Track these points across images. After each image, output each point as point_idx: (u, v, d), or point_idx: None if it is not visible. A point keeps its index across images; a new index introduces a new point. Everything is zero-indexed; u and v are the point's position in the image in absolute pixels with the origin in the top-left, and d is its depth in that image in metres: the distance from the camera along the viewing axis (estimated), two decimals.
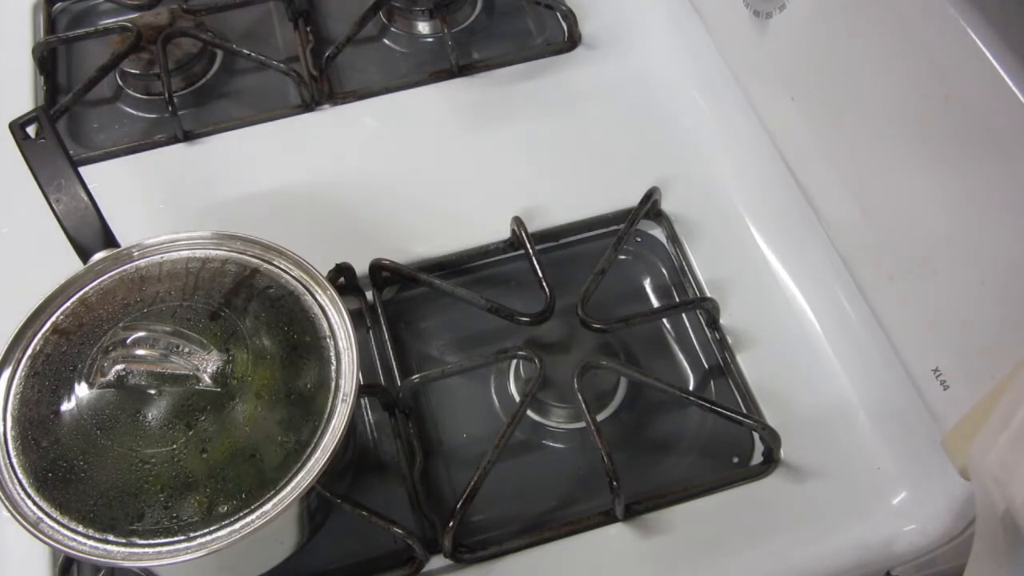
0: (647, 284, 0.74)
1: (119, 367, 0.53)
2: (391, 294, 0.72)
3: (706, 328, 0.70)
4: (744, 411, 0.66)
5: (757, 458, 0.65)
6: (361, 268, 0.70)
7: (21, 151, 0.64)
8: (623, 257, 0.74)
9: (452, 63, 0.83)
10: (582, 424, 0.64)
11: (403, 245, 0.72)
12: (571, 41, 0.85)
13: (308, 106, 0.82)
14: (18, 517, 0.51)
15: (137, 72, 0.84)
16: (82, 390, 0.54)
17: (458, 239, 0.73)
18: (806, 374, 0.67)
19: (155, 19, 0.86)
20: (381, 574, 0.61)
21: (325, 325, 0.57)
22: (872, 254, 0.61)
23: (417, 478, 0.63)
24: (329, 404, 0.54)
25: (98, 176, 0.70)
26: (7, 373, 0.56)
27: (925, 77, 0.52)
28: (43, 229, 0.63)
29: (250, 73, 0.86)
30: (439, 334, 0.71)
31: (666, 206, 0.75)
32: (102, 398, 0.53)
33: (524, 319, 0.67)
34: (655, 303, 0.72)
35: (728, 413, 0.63)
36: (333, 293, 0.58)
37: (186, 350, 0.54)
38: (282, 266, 0.59)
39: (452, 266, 0.73)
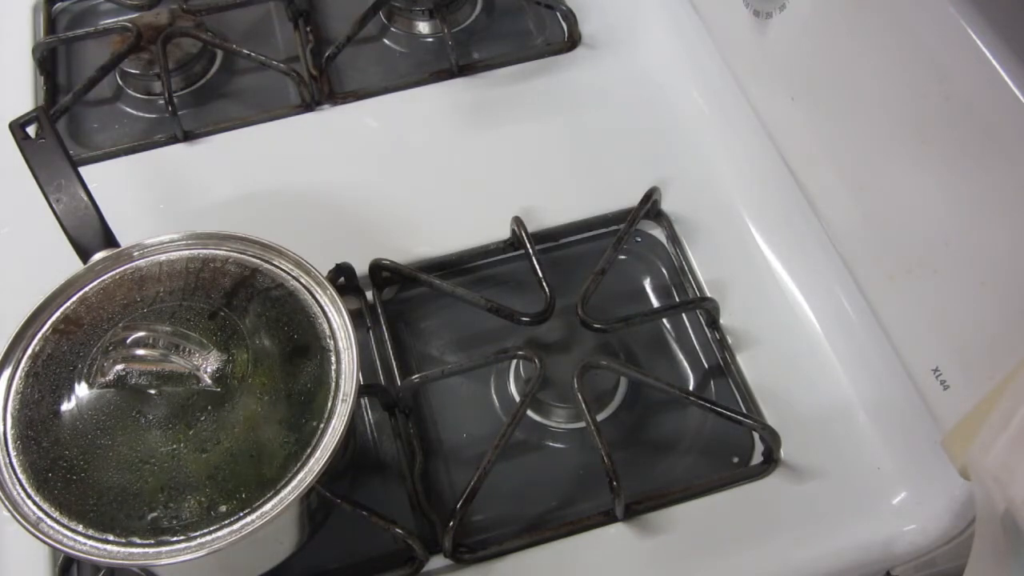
0: (647, 284, 0.74)
1: (119, 367, 0.53)
2: (391, 294, 0.72)
3: (706, 328, 0.70)
4: (744, 411, 0.66)
5: (757, 458, 0.65)
6: (361, 268, 0.70)
7: (21, 151, 0.64)
8: (623, 257, 0.74)
9: (452, 63, 0.83)
10: (582, 424, 0.64)
11: (403, 245, 0.72)
12: (571, 41, 0.85)
13: (308, 106, 0.82)
14: (18, 517, 0.51)
15: (137, 72, 0.84)
16: (82, 390, 0.54)
17: (458, 239, 0.73)
18: (806, 374, 0.67)
19: (155, 19, 0.86)
20: (381, 574, 0.61)
21: (325, 325, 0.57)
22: (872, 254, 0.61)
23: (417, 478, 0.63)
24: (329, 404, 0.54)
25: (98, 176, 0.70)
26: (7, 373, 0.56)
27: (925, 77, 0.52)
28: (43, 229, 0.63)
29: (250, 73, 0.86)
30: (439, 334, 0.71)
31: (666, 206, 0.75)
32: (102, 398, 0.53)
33: (524, 319, 0.67)
34: (655, 303, 0.72)
35: (728, 413, 0.63)
36: (333, 293, 0.58)
37: (186, 350, 0.54)
38: (282, 266, 0.59)
39: (452, 266, 0.73)
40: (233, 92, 0.86)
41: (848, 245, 0.63)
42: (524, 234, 0.71)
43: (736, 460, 0.65)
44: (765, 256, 0.72)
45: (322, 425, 0.54)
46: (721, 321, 0.69)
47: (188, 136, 0.80)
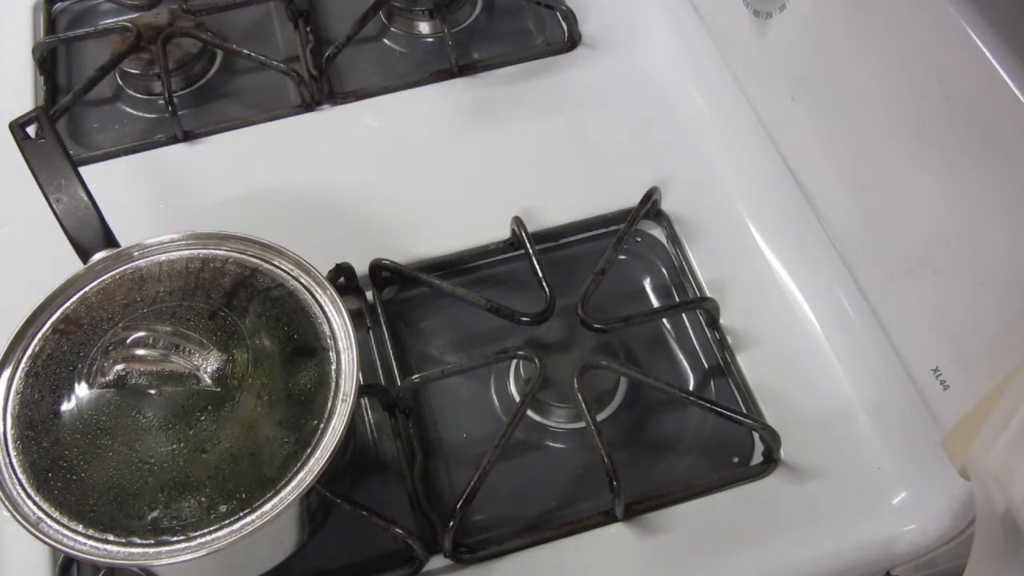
0: (647, 284, 0.74)
1: (119, 367, 0.53)
2: (391, 294, 0.72)
3: (706, 328, 0.70)
4: (744, 411, 0.66)
5: (757, 458, 0.65)
6: (361, 268, 0.70)
7: (21, 151, 0.64)
8: (623, 257, 0.74)
9: (452, 63, 0.83)
10: (582, 424, 0.64)
11: (403, 245, 0.72)
12: (571, 41, 0.85)
13: (308, 106, 0.82)
14: (18, 517, 0.51)
15: (137, 72, 0.84)
16: (82, 390, 0.54)
17: (458, 239, 0.73)
18: (806, 374, 0.67)
19: (155, 19, 0.86)
20: (381, 574, 0.61)
21: (325, 325, 0.57)
22: (872, 254, 0.61)
23: (417, 478, 0.63)
24: (329, 404, 0.54)
25: (98, 176, 0.70)
26: (7, 373, 0.56)
27: (925, 77, 0.52)
28: (43, 229, 0.63)
29: (250, 73, 0.86)
30: (439, 334, 0.71)
31: (666, 206, 0.75)
32: (102, 398, 0.53)
33: (524, 319, 0.67)
34: (655, 303, 0.72)
35: (728, 413, 0.63)
36: (333, 293, 0.58)
37: (186, 350, 0.54)
38: (282, 266, 0.59)
39: (452, 266, 0.73)
40: (233, 92, 0.86)
41: (848, 245, 0.63)
42: (524, 234, 0.71)
43: (736, 460, 0.65)
44: (765, 256, 0.72)
45: (322, 425, 0.54)
46: (721, 321, 0.69)
47: (188, 136, 0.80)
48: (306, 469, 0.52)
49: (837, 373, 0.66)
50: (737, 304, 0.70)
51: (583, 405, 0.62)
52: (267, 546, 0.57)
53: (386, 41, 0.88)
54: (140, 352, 0.53)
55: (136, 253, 0.60)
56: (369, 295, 0.71)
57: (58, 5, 0.92)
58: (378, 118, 0.81)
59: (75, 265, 0.60)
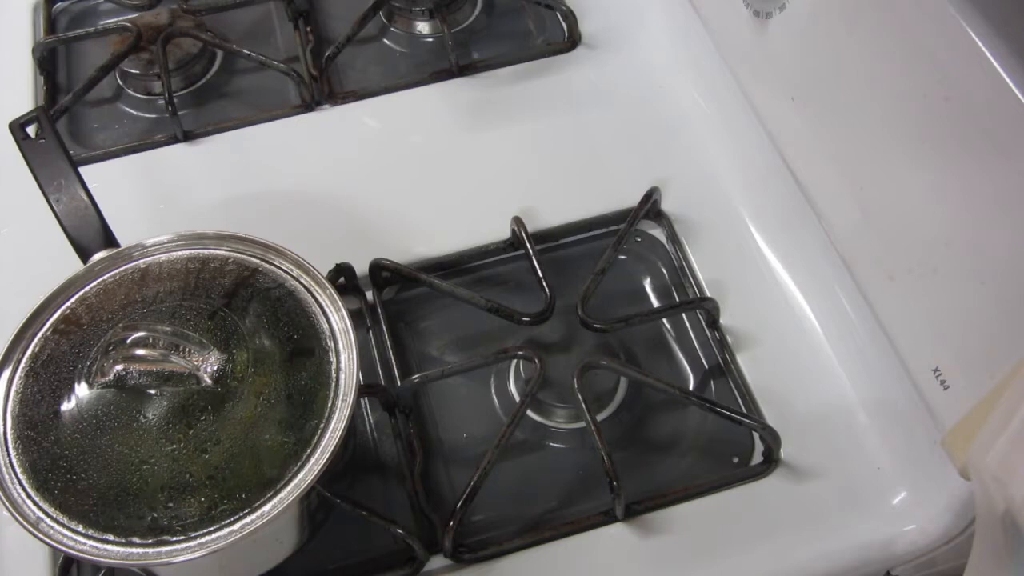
0: (647, 284, 0.74)
1: (119, 367, 0.53)
2: (391, 294, 0.72)
3: (706, 328, 0.70)
4: (744, 411, 0.66)
5: (757, 458, 0.65)
6: (361, 268, 0.70)
7: (21, 151, 0.64)
8: (623, 257, 0.74)
9: (452, 63, 0.83)
10: (582, 424, 0.64)
11: (403, 245, 0.72)
12: (571, 41, 0.85)
13: (308, 106, 0.82)
14: (18, 517, 0.51)
15: (137, 72, 0.84)
16: (82, 390, 0.54)
17: (458, 239, 0.73)
18: (806, 374, 0.67)
19: (155, 19, 0.86)
20: (381, 574, 0.61)
21: (325, 325, 0.57)
22: (872, 254, 0.61)
23: (417, 478, 0.63)
24: (329, 404, 0.54)
25: (98, 176, 0.70)
26: (7, 373, 0.56)
27: (925, 77, 0.52)
28: (43, 229, 0.63)
29: (250, 73, 0.86)
30: (439, 334, 0.71)
31: (666, 206, 0.75)
32: (102, 398, 0.53)
33: (524, 319, 0.67)
34: (655, 303, 0.72)
35: (728, 413, 0.63)
36: (333, 293, 0.58)
37: (186, 350, 0.54)
38: (282, 266, 0.60)
39: (452, 266, 0.73)
40: (233, 92, 0.86)
41: (848, 245, 0.63)
42: (524, 234, 0.71)
43: (736, 460, 0.65)
44: (765, 256, 0.72)
45: (322, 425, 0.54)
46: (721, 321, 0.69)
47: (188, 136, 0.80)
48: (306, 469, 0.52)
49: (837, 373, 0.66)
50: (737, 304, 0.70)
51: (583, 405, 0.62)
52: (267, 546, 0.57)
53: (386, 41, 0.88)
54: (140, 352, 0.54)
55: (136, 253, 0.60)
56: (369, 295, 0.71)
57: (58, 5, 0.92)
58: (378, 118, 0.81)
59: (75, 265, 0.60)
